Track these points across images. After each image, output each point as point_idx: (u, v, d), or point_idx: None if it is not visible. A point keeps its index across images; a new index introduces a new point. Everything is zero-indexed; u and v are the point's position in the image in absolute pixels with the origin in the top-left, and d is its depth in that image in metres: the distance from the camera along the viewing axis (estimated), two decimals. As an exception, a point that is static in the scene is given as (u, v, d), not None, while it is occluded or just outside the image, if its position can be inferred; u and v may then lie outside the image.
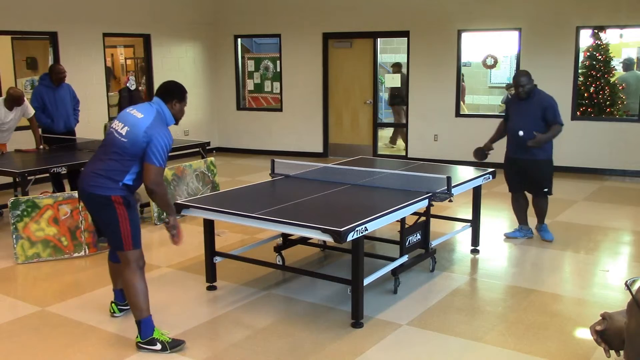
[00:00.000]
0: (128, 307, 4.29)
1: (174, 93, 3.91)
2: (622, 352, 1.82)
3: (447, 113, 10.30)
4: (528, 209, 6.18)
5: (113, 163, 3.73)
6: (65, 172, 6.64)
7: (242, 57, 12.17)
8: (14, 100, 6.89)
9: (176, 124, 3.97)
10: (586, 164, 9.51)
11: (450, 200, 4.88)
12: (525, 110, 5.79)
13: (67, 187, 7.49)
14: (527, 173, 5.95)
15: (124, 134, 3.72)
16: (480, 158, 6.15)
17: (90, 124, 8.10)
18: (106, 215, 3.78)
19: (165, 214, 4.00)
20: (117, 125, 3.80)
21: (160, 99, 3.88)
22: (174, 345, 3.81)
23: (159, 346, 3.77)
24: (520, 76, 5.76)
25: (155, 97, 3.91)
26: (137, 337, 3.82)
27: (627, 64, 10.68)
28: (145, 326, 3.79)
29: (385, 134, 12.70)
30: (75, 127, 7.78)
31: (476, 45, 10.92)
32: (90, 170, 3.82)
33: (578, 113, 9.73)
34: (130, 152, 3.70)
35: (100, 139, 8.28)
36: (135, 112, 3.81)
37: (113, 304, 4.34)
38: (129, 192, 3.81)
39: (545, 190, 5.97)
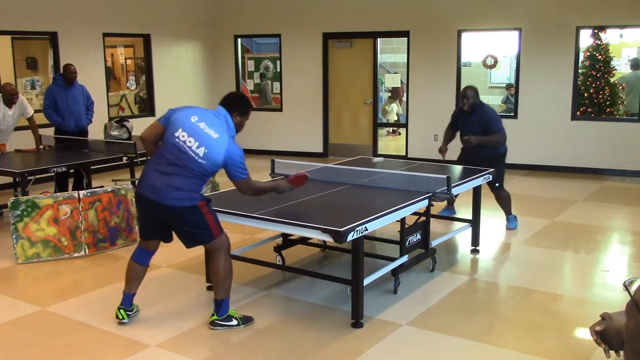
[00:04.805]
0: (134, 312, 4.24)
1: (238, 105, 3.98)
2: (621, 353, 1.83)
3: (447, 113, 10.26)
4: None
5: (194, 179, 3.84)
6: (72, 171, 6.67)
7: (242, 57, 12.17)
8: (8, 95, 6.90)
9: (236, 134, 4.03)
10: (586, 164, 9.51)
11: (452, 199, 4.88)
12: (470, 123, 6.27)
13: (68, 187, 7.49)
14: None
15: (201, 154, 3.77)
16: (444, 156, 6.56)
17: (90, 124, 8.11)
18: (196, 221, 3.92)
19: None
20: (187, 139, 3.78)
21: (225, 109, 3.93)
22: (247, 320, 4.15)
23: (234, 322, 4.09)
24: (467, 89, 6.29)
25: (219, 107, 3.95)
26: (213, 315, 4.08)
27: (634, 64, 10.69)
28: (225, 305, 4.07)
29: (386, 133, 12.74)
30: (88, 127, 7.88)
31: (476, 45, 10.92)
32: (170, 185, 3.81)
33: (578, 113, 9.73)
34: (209, 171, 3.86)
35: (101, 138, 8.31)
36: (207, 129, 3.80)
37: (121, 310, 4.19)
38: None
39: (497, 185, 6.19)
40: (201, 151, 3.77)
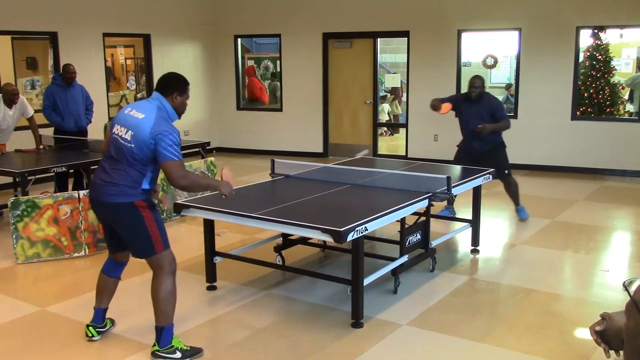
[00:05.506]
0: (106, 329, 4.07)
1: (173, 85, 3.67)
2: (621, 352, 1.83)
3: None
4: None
5: (129, 170, 3.57)
6: (72, 171, 6.66)
7: (242, 57, 12.18)
8: (9, 95, 6.89)
9: (179, 118, 3.75)
10: (586, 164, 9.51)
11: (451, 199, 4.87)
12: (477, 112, 6.47)
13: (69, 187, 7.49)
14: (483, 160, 6.34)
15: (129, 139, 3.53)
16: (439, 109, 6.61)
17: (90, 124, 8.13)
18: (132, 222, 3.62)
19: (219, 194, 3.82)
20: (119, 130, 3.61)
21: (160, 93, 3.67)
22: (193, 353, 3.73)
23: (178, 354, 3.67)
24: (475, 79, 6.49)
25: (154, 92, 3.71)
26: (155, 345, 3.69)
27: None
28: (167, 334, 3.69)
29: (382, 134, 12.76)
30: (87, 127, 7.89)
31: (476, 45, 10.92)
32: (106, 180, 3.63)
33: (578, 113, 9.73)
34: (139, 156, 3.53)
35: (101, 139, 8.31)
36: (135, 113, 3.61)
37: (90, 327, 3.98)
38: (147, 195, 3.71)
39: (506, 172, 6.42)
40: (129, 135, 3.54)
